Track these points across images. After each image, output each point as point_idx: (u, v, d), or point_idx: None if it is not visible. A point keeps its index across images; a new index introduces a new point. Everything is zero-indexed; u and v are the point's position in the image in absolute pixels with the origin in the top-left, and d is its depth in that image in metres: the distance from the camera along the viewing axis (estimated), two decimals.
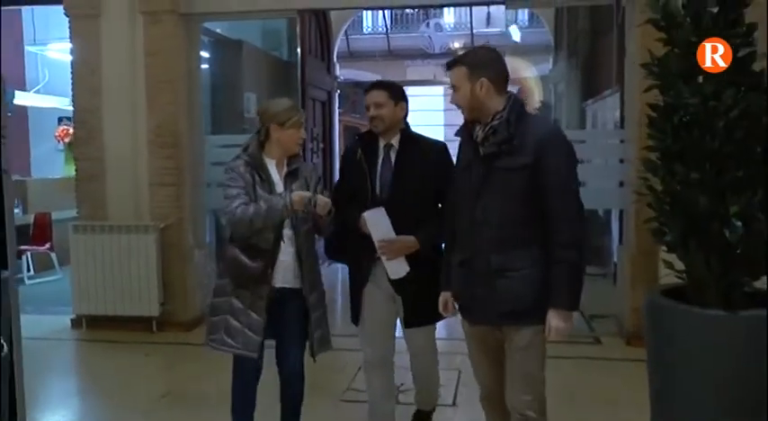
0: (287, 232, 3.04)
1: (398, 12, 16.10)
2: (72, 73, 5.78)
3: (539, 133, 2.48)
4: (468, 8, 15.30)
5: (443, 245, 2.91)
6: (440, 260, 3.00)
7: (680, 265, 2.56)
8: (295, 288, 3.08)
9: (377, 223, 3.00)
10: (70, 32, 5.75)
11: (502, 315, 2.52)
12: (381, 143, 3.15)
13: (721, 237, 2.34)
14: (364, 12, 15.41)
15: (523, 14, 15.15)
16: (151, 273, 5.57)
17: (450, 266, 2.72)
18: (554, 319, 2.44)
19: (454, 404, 4.08)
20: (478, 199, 2.53)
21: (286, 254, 3.04)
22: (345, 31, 12.49)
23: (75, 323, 5.84)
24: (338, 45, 11.49)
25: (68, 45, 5.93)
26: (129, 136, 5.67)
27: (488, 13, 16.22)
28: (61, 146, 9.49)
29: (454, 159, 3.10)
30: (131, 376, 4.79)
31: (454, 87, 2.60)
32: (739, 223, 2.34)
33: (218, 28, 7.69)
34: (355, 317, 3.24)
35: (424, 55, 16.04)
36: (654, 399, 2.59)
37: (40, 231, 7.97)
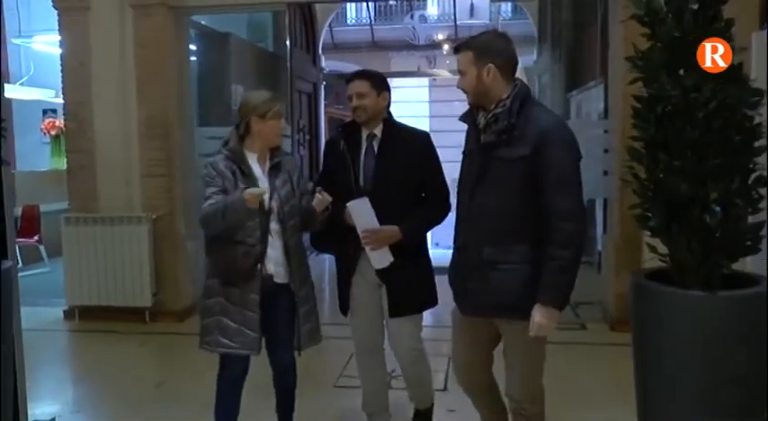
0: (274, 226, 2.99)
1: (382, 3, 16.10)
2: (62, 66, 5.82)
3: (540, 124, 2.42)
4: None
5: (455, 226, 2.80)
6: (426, 249, 3.08)
7: (663, 249, 2.67)
8: (284, 283, 3.04)
9: (361, 213, 2.99)
10: (59, 25, 5.78)
11: (493, 307, 2.52)
12: (364, 133, 3.13)
13: (702, 221, 2.45)
14: (348, 3, 15.41)
15: (507, 6, 15.23)
16: (143, 264, 5.63)
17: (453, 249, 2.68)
18: (538, 315, 2.41)
19: (445, 389, 4.18)
20: (476, 188, 2.50)
21: (274, 248, 3.00)
22: (330, 23, 12.52)
23: (68, 314, 5.88)
24: (323, 37, 11.53)
25: (53, 37, 5.95)
26: (119, 128, 5.72)
27: (472, 5, 16.27)
28: (47, 138, 9.46)
29: (438, 149, 3.16)
30: (126, 366, 4.85)
31: (460, 72, 2.54)
32: (718, 208, 2.45)
33: (204, 20, 7.70)
34: (343, 308, 3.26)
35: (408, 46, 16.07)
36: (638, 377, 2.71)
37: (29, 224, 7.97)
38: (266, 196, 2.93)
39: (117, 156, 5.73)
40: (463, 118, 2.65)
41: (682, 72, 2.49)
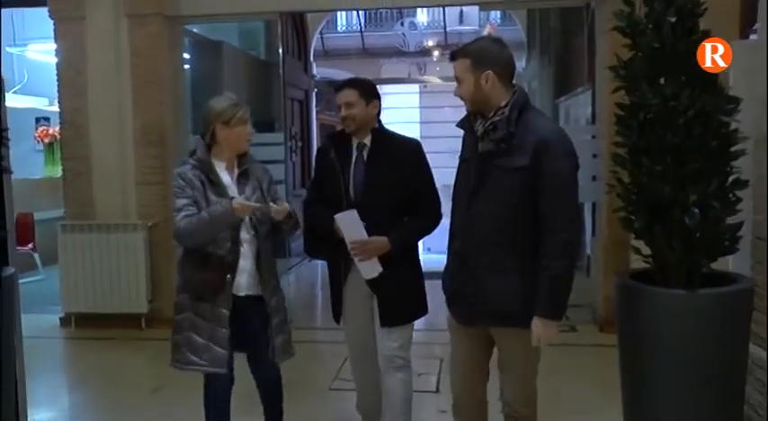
0: (245, 235, 2.94)
1: (372, 11, 16.24)
2: (57, 74, 5.88)
3: (539, 133, 2.39)
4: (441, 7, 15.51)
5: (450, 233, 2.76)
6: (417, 259, 3.03)
7: (647, 251, 2.78)
8: (257, 295, 2.98)
9: (349, 225, 2.95)
10: (55, 34, 5.85)
11: (488, 316, 2.50)
12: (354, 142, 3.09)
13: (682, 223, 2.55)
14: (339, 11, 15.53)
15: (496, 13, 15.38)
16: (139, 271, 5.68)
17: (447, 254, 2.66)
18: (537, 327, 2.39)
19: (437, 390, 4.24)
20: (473, 196, 2.48)
21: (246, 257, 2.94)
22: (321, 30, 12.63)
23: (64, 321, 5.92)
24: (314, 44, 11.63)
25: (47, 46, 6.00)
26: (115, 136, 5.78)
27: (461, 11, 16.41)
28: (40, 146, 9.49)
29: (428, 155, 3.12)
30: (122, 372, 4.90)
31: (457, 79, 2.50)
32: (697, 210, 2.55)
33: (197, 28, 7.78)
34: (336, 316, 3.25)
35: (398, 53, 16.17)
36: (623, 375, 2.81)
37: (23, 231, 7.96)
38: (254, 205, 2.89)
39: (112, 164, 5.79)
40: (460, 124, 2.62)
41: (662, 81, 2.60)
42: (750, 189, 2.93)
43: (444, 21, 16.18)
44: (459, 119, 2.66)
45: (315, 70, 11.57)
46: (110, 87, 5.75)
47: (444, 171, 3.67)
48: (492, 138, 2.43)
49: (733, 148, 2.64)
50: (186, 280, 2.95)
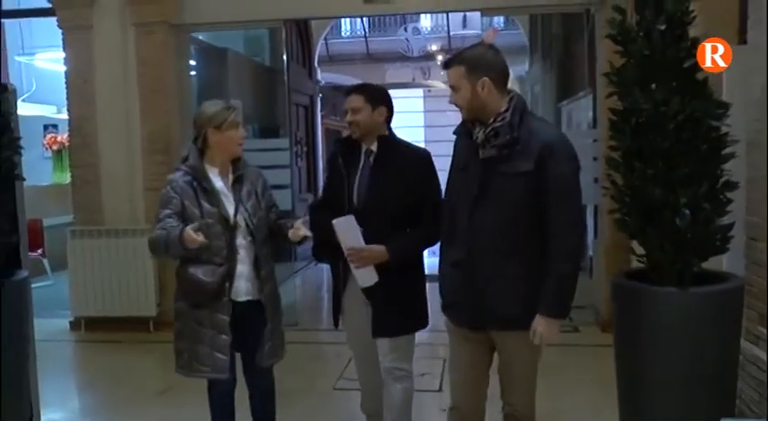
0: (241, 241, 2.91)
1: (376, 17, 16.32)
2: (66, 83, 5.99)
3: (543, 138, 2.39)
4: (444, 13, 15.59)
5: (441, 242, 2.74)
6: (415, 268, 2.93)
7: (641, 251, 2.86)
8: (256, 299, 2.96)
9: (346, 231, 2.89)
10: (63, 44, 5.97)
11: (494, 320, 2.48)
12: (363, 148, 3.05)
13: (673, 224, 2.63)
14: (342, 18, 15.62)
15: (499, 17, 15.45)
16: (147, 275, 5.78)
17: (443, 264, 2.63)
18: (540, 326, 2.40)
19: (440, 389, 4.31)
20: (476, 203, 2.45)
21: (244, 263, 2.92)
22: (325, 36, 12.72)
23: (74, 325, 6.02)
24: (318, 50, 11.72)
25: (55, 54, 6.11)
26: (123, 144, 5.89)
27: (464, 16, 16.48)
28: (48, 153, 9.61)
29: (437, 167, 3.06)
30: (131, 374, 4.99)
31: (453, 87, 2.47)
32: (688, 212, 2.62)
33: (202, 35, 7.88)
34: (335, 321, 3.22)
35: (402, 58, 16.25)
36: (619, 370, 2.89)
37: (32, 237, 8.04)
38: (231, 212, 2.87)
39: (120, 172, 5.90)
40: (457, 132, 2.61)
41: (653, 87, 2.67)
42: (743, 191, 3.01)
43: (448, 25, 16.26)
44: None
45: (319, 76, 11.67)
46: (117, 96, 5.86)
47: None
48: (494, 144, 2.40)
49: (724, 152, 2.71)
50: (183, 288, 2.92)
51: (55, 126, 9.65)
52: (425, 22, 16.62)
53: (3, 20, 7.42)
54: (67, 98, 6.01)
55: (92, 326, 5.92)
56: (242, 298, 2.94)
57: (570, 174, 2.41)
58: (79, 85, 5.90)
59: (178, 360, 3.00)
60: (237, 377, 3.11)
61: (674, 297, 2.66)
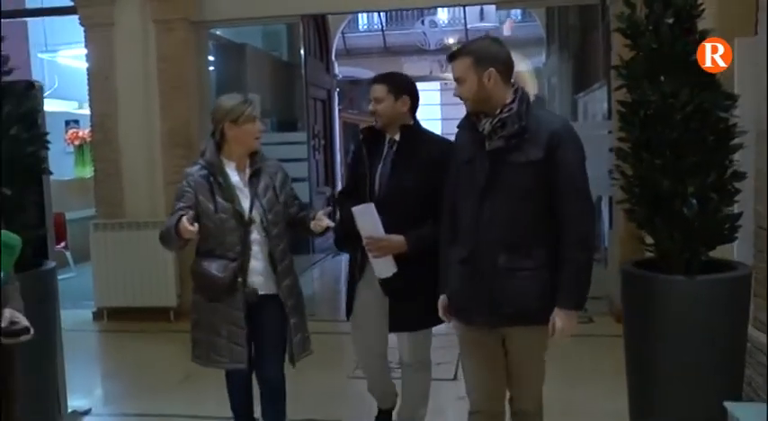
0: (255, 236, 2.90)
1: (393, 10, 16.32)
2: (88, 79, 6.12)
3: (551, 127, 2.38)
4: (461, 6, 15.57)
5: (442, 242, 2.66)
6: (435, 262, 2.75)
7: (651, 240, 2.90)
8: (271, 293, 2.95)
9: (365, 219, 2.87)
10: (85, 41, 6.08)
11: (506, 316, 2.43)
12: (387, 138, 3.03)
13: (681, 214, 2.67)
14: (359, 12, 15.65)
15: (516, 10, 15.40)
16: (168, 266, 5.89)
17: (449, 265, 2.56)
18: (560, 320, 2.36)
19: (455, 378, 4.36)
20: (484, 196, 2.41)
21: (258, 258, 2.90)
22: (342, 30, 12.78)
23: (97, 315, 6.15)
24: (335, 44, 11.78)
25: (77, 51, 6.22)
26: (143, 139, 6.00)
27: (481, 9, 16.44)
28: (70, 148, 9.78)
29: None
30: (152, 362, 5.10)
31: (458, 79, 2.46)
32: (695, 201, 2.67)
33: (220, 31, 7.97)
34: (348, 312, 3.20)
35: (419, 51, 16.26)
36: (628, 357, 2.94)
37: (56, 230, 8.17)
38: (246, 206, 2.87)
39: (141, 167, 6.01)
40: (461, 125, 2.60)
41: (662, 79, 2.71)
42: (752, 180, 3.04)
43: (465, 18, 16.22)
44: None
45: (337, 69, 11.74)
46: (138, 92, 5.97)
47: None
48: (501, 134, 2.38)
49: (732, 142, 2.74)
50: (197, 282, 2.96)
51: (76, 121, 9.81)
52: (442, 14, 16.59)
53: (26, 18, 7.60)
54: (89, 94, 6.13)
55: (114, 317, 6.05)
56: (258, 292, 2.94)
57: (578, 163, 2.41)
58: (101, 81, 6.02)
59: (195, 349, 3.03)
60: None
61: (683, 285, 2.71)
